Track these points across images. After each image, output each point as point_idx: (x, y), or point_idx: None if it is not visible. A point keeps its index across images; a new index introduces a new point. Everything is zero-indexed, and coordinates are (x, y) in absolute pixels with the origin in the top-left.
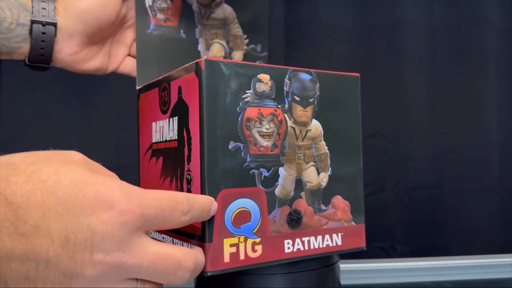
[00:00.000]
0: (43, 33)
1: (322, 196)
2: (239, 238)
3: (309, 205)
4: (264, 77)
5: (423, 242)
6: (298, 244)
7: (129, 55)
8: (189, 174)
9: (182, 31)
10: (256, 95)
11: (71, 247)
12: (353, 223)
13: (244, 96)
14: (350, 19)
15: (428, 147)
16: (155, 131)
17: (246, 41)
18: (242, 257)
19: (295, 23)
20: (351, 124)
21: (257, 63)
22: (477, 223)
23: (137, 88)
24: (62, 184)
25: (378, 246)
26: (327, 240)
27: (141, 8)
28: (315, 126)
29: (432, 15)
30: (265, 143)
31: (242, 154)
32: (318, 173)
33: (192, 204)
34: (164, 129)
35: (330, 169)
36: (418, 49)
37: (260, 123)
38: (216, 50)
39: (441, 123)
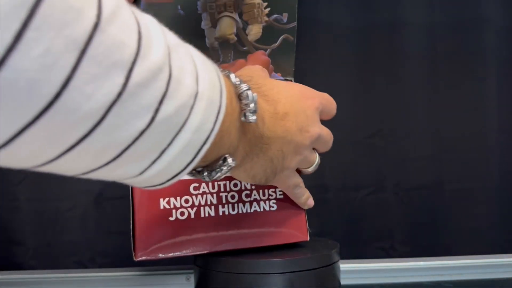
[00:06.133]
0: None
1: None
2: None
3: None
4: None
5: (423, 242)
6: None
7: None
8: None
9: (179, 7)
10: None
11: (299, 125)
12: None
13: None
14: (350, 19)
15: (428, 147)
16: None
17: (267, 10)
18: None
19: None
20: None
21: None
22: (477, 223)
23: None
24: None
25: (378, 246)
26: None
27: None
28: None
29: (432, 15)
30: None
31: None
32: None
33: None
34: None
35: None
36: (418, 49)
37: None
38: (225, 26)
39: (441, 123)
